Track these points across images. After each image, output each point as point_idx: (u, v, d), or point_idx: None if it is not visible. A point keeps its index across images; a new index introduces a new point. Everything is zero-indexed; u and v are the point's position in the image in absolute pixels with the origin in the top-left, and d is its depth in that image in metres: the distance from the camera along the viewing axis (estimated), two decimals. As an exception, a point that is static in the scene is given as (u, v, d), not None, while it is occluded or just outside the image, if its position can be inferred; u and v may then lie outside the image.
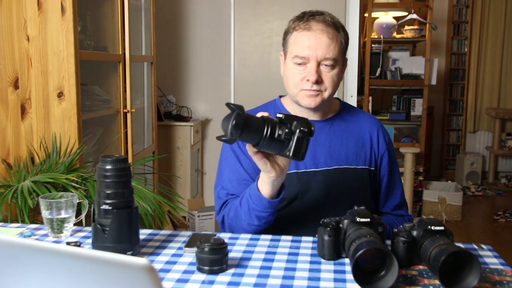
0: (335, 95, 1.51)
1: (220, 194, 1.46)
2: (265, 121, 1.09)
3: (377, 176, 1.50)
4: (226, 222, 1.40)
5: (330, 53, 1.36)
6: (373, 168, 1.48)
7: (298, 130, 1.09)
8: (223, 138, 1.04)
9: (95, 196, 1.16)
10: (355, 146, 1.47)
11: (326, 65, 1.37)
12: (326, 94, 1.39)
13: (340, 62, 1.40)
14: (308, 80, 1.36)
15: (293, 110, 1.49)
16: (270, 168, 1.16)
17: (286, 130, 1.09)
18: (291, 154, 1.10)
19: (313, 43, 1.36)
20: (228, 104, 1.03)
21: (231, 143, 1.05)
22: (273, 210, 1.27)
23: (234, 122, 1.03)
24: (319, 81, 1.37)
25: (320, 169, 1.43)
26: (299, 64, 1.38)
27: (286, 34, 1.44)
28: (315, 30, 1.36)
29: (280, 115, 1.12)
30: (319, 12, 1.40)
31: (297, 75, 1.39)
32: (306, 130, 1.10)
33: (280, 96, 1.56)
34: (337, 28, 1.39)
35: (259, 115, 1.10)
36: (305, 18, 1.39)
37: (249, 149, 1.14)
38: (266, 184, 1.22)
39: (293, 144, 1.09)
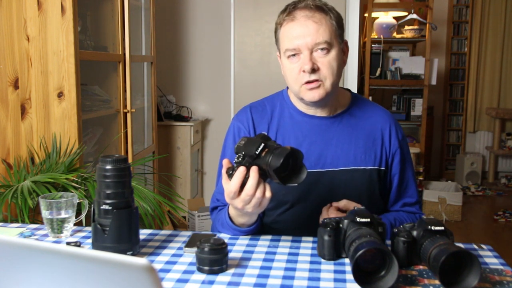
0: (346, 86, 1.46)
1: (215, 196, 1.45)
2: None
3: (388, 175, 1.42)
4: (216, 228, 1.38)
5: (320, 37, 1.27)
6: (383, 168, 1.40)
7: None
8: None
9: (95, 196, 1.16)
10: (365, 145, 1.38)
11: (320, 50, 1.28)
12: (328, 83, 1.30)
13: (335, 45, 1.30)
14: (304, 71, 1.28)
15: (300, 105, 1.41)
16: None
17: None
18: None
19: (300, 32, 1.28)
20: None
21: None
22: (251, 231, 1.27)
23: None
24: (315, 69, 1.28)
25: (326, 169, 1.36)
26: (293, 57, 1.31)
27: (275, 32, 1.37)
28: (299, 19, 1.29)
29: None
30: (301, 0, 1.32)
31: (293, 69, 1.31)
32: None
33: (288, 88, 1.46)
34: (324, 10, 1.30)
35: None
36: (288, 10, 1.32)
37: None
38: (240, 217, 1.23)
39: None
